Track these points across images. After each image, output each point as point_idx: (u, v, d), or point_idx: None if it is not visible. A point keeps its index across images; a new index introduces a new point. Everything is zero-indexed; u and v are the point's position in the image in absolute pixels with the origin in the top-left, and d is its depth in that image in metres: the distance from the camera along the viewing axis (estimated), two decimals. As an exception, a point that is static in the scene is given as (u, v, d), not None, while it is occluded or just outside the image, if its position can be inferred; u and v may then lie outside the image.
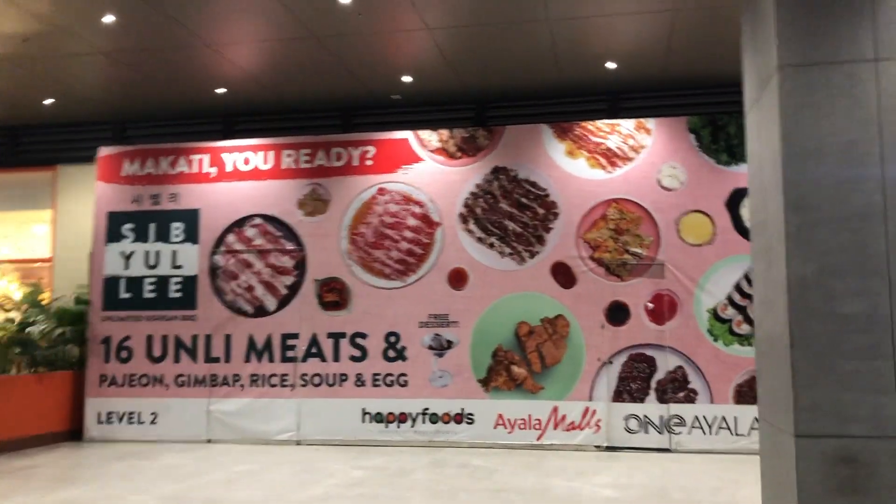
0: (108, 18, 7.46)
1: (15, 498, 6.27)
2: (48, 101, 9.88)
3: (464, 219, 9.09)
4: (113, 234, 9.75)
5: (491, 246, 8.99)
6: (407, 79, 9.24)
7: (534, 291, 8.84)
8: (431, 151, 9.28)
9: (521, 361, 8.75)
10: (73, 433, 9.54)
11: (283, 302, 9.35)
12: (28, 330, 9.32)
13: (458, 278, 9.02)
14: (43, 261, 11.02)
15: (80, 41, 8.12)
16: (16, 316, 9.36)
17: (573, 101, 9.76)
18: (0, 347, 8.90)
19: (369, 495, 6.38)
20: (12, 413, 8.72)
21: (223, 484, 6.87)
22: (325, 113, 10.25)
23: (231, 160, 9.66)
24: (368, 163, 9.40)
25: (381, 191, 9.32)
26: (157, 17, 7.53)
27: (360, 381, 9.05)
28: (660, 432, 8.39)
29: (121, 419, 9.43)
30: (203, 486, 6.76)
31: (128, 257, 9.69)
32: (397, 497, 6.33)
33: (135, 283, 9.63)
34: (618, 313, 8.62)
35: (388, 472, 7.37)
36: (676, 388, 8.43)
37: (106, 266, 9.71)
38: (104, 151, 9.94)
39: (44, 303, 9.84)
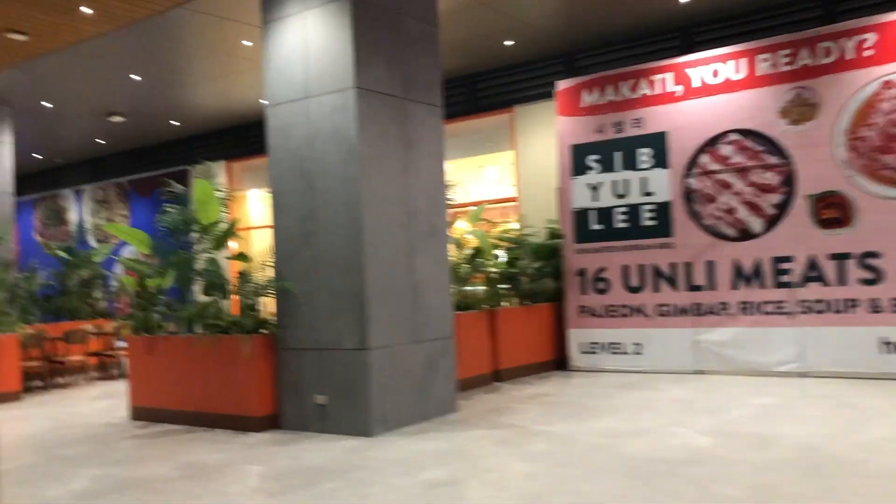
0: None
1: (557, 425, 6.43)
2: (508, 43, 10.11)
3: None
4: (578, 167, 9.72)
5: None
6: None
7: None
8: (954, 27, 7.61)
9: None
10: (558, 363, 9.85)
11: (771, 223, 8.50)
12: (513, 266, 9.75)
13: None
14: (508, 200, 11.53)
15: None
16: (500, 254, 9.82)
17: None
18: (492, 283, 9.39)
19: (958, 439, 5.37)
20: (508, 343, 9.21)
21: (758, 418, 6.37)
22: (800, 5, 9.04)
23: (698, 75, 8.97)
24: (867, 53, 8.03)
25: (888, 84, 7.91)
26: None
27: (875, 308, 7.89)
28: None
29: (603, 349, 9.48)
30: (737, 421, 6.32)
31: (595, 188, 9.60)
32: None
33: (605, 214, 9.53)
34: None
35: (953, 411, 6.24)
36: None
37: (574, 199, 9.74)
38: (562, 85, 9.91)
39: (517, 240, 10.20)
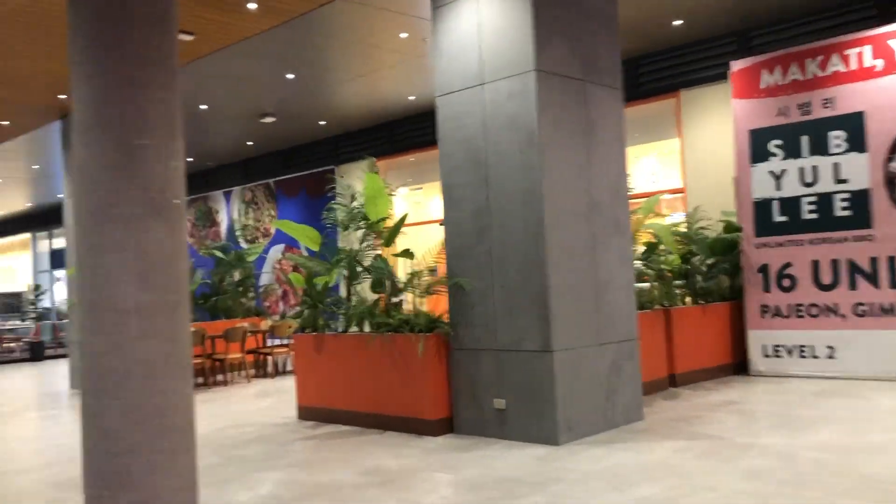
0: None
1: (764, 436, 5.77)
2: (678, 23, 9.43)
3: None
4: (758, 154, 8.92)
5: None
6: None
7: None
8: None
9: None
10: (737, 366, 9.09)
11: None
12: (686, 262, 9.07)
13: None
14: (672, 191, 10.82)
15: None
16: (673, 248, 9.15)
17: None
18: (666, 281, 8.74)
19: None
20: (684, 346, 8.54)
21: None
22: None
23: (902, 46, 8.02)
24: None
25: None
26: None
27: None
28: None
29: (790, 352, 8.64)
30: (985, 438, 5.46)
31: (779, 177, 8.77)
32: None
33: (790, 205, 8.68)
34: None
35: None
36: None
37: (754, 189, 8.95)
38: (737, 66, 9.12)
39: (689, 234, 9.49)
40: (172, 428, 4.05)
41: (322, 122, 13.93)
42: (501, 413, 6.25)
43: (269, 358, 11.89)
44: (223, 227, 17.83)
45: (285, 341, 12.06)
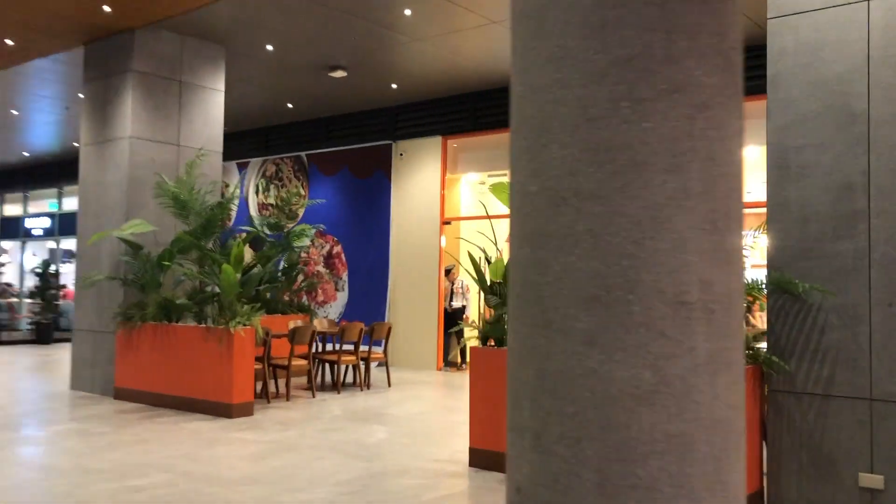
0: None
1: None
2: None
3: None
4: None
5: None
6: None
7: None
8: None
9: None
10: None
11: None
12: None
13: None
14: None
15: None
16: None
17: None
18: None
19: None
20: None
21: None
22: None
23: None
24: None
25: None
26: None
27: None
28: None
29: None
30: None
31: None
32: None
33: None
34: None
35: None
36: None
37: None
38: None
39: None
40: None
41: (394, 86, 11.53)
42: (874, 494, 4.11)
43: (363, 367, 9.40)
44: (235, 205, 15.19)
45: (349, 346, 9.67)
